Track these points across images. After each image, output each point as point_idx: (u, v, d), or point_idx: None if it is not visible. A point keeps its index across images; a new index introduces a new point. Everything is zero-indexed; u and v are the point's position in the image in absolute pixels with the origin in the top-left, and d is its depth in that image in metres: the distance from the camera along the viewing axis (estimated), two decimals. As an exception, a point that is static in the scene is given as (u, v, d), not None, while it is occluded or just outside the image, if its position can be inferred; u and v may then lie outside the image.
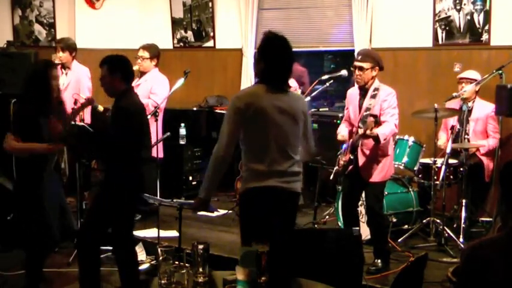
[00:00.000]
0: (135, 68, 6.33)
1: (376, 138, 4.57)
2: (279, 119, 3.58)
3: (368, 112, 4.67)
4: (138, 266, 4.63)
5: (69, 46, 6.62)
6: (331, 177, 5.11)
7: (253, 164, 3.60)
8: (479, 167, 5.75)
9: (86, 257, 4.26)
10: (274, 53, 3.61)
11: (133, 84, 6.37)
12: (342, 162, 4.90)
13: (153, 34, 8.08)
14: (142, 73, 6.40)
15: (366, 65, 4.74)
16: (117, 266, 4.42)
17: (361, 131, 4.60)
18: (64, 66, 6.60)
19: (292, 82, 6.45)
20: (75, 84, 6.59)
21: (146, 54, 6.33)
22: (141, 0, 8.60)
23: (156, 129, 5.84)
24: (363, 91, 4.84)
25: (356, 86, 4.93)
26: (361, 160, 4.81)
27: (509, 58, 5.84)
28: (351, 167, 4.84)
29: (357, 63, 4.78)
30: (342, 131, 4.97)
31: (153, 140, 5.77)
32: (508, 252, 2.23)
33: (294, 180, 3.67)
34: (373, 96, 4.76)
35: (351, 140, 4.83)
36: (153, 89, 6.26)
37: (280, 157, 3.59)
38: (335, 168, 5.08)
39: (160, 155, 6.29)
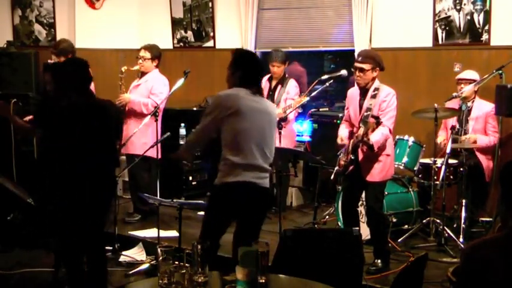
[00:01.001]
0: (135, 68, 6.36)
1: (370, 146, 4.62)
2: (258, 119, 3.90)
3: (369, 113, 4.68)
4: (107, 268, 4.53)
5: (62, 51, 6.53)
6: (332, 177, 5.11)
7: (231, 157, 3.85)
8: (479, 167, 5.75)
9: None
10: (250, 62, 4.07)
11: (134, 84, 6.42)
12: (342, 163, 4.90)
13: (153, 34, 8.07)
14: (142, 73, 6.39)
15: (366, 66, 4.74)
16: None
17: (361, 131, 4.61)
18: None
19: (291, 82, 6.48)
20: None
21: (147, 55, 6.32)
22: (141, 0, 8.58)
23: (156, 130, 5.84)
24: (363, 91, 4.84)
25: (356, 86, 4.93)
26: (362, 160, 4.81)
27: (509, 58, 5.83)
28: (351, 167, 4.84)
29: (357, 65, 4.77)
30: (342, 133, 4.96)
31: (153, 140, 5.79)
32: (508, 252, 2.23)
33: (265, 176, 3.96)
34: (374, 97, 4.76)
35: (352, 140, 4.83)
36: (153, 89, 6.26)
37: (257, 153, 3.88)
38: (335, 169, 5.08)
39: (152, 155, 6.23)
